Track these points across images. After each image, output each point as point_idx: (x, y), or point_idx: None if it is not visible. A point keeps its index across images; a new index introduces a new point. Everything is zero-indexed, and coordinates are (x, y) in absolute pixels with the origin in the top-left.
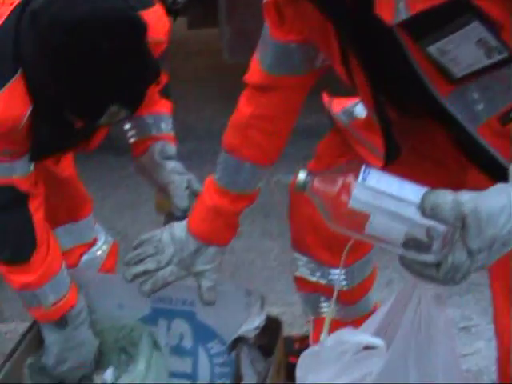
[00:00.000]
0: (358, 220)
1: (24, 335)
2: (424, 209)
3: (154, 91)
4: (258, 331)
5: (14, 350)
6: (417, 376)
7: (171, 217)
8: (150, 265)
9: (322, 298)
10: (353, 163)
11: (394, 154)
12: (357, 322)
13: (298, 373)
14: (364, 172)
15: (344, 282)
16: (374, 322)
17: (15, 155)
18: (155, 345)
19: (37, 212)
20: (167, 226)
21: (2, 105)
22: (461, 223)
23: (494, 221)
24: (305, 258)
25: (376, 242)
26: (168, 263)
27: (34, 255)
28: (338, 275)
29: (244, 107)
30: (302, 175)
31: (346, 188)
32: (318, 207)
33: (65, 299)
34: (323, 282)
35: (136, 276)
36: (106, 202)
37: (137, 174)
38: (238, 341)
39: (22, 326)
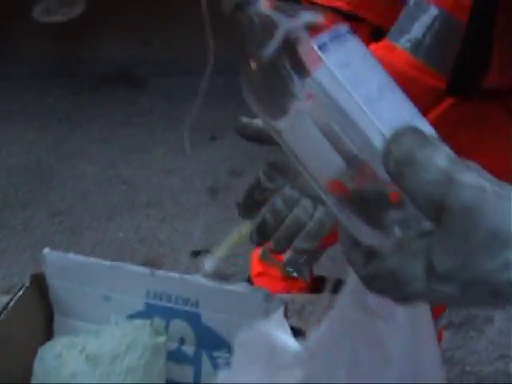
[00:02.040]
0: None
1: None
2: (388, 154)
3: None
4: None
5: None
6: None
7: None
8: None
9: None
10: (333, 14)
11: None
12: None
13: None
14: (333, 33)
15: None
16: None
17: None
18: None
19: None
20: None
21: None
22: (434, 216)
23: (492, 246)
24: None
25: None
26: None
27: None
28: None
29: None
30: None
31: (290, 42)
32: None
33: None
34: None
35: None
36: (111, 144)
37: None
38: None
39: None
